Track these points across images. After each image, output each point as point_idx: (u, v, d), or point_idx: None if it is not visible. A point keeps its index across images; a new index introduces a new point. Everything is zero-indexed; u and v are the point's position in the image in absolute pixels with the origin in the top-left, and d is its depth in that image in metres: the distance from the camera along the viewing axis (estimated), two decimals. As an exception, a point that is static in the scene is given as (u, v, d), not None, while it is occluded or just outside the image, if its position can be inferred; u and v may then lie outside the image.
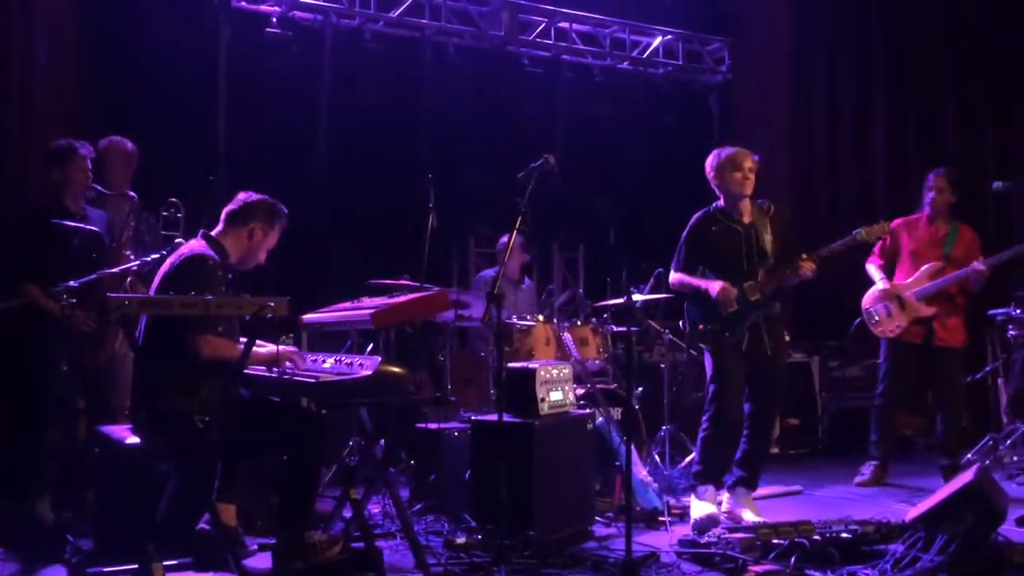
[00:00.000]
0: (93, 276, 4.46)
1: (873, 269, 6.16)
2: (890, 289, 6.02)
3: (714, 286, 4.90)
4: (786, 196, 8.50)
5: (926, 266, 5.99)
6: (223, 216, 4.14)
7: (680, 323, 5.22)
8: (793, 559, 3.99)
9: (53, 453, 4.71)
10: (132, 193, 5.08)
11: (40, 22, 6.06)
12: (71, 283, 4.38)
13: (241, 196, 4.17)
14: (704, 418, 5.01)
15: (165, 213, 5.19)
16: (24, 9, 6.00)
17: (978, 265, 5.82)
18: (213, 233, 4.10)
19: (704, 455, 5.01)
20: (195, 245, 4.00)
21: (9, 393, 4.94)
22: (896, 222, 6.03)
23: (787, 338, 5.24)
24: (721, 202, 5.08)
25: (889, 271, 6.17)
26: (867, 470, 6.07)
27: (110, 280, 4.54)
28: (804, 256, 4.92)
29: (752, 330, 4.92)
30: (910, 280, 6.02)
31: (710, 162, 5.06)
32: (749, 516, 4.84)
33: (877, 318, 6.07)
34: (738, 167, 4.96)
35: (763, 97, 8.83)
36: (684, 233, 5.14)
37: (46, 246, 4.75)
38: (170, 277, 3.89)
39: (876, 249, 6.09)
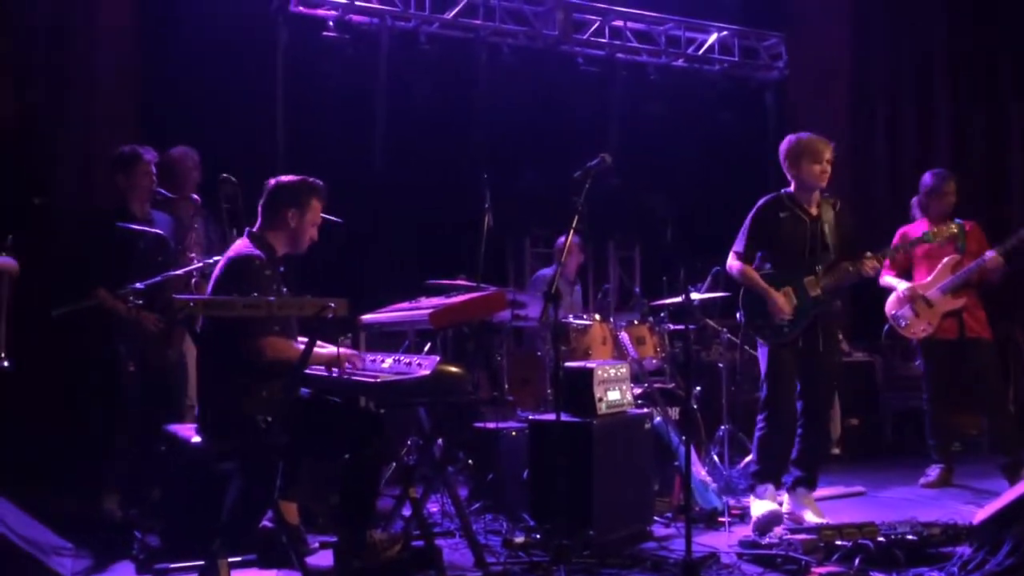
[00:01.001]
0: (159, 278, 4.57)
1: (888, 278, 6.07)
2: (912, 290, 5.96)
3: (774, 300, 4.82)
4: (844, 194, 8.37)
5: (945, 259, 5.93)
6: (259, 211, 4.11)
7: (737, 315, 5.13)
8: (857, 561, 3.93)
9: (120, 452, 4.81)
10: (195, 196, 5.17)
11: (103, 28, 6.21)
12: (137, 285, 4.50)
13: (269, 184, 4.11)
14: (759, 417, 4.96)
15: (227, 205, 5.26)
16: (88, 16, 6.14)
17: (990, 253, 5.78)
18: (256, 229, 4.09)
19: (761, 454, 4.96)
20: (240, 246, 4.01)
21: (77, 393, 5.07)
22: (900, 232, 6.04)
23: (841, 337, 5.14)
24: (791, 188, 5.00)
25: (903, 278, 6.09)
26: (933, 472, 5.96)
27: (175, 281, 4.63)
28: (868, 254, 4.84)
29: (808, 327, 4.85)
30: (930, 279, 5.96)
31: (785, 147, 4.96)
32: (811, 517, 4.77)
33: (905, 322, 6.00)
34: (817, 158, 4.86)
35: (821, 93, 8.69)
36: (749, 216, 5.03)
37: (112, 249, 4.85)
38: (220, 280, 3.93)
39: (886, 262, 5.90)
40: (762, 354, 4.97)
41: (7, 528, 3.49)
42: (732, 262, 5.05)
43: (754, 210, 5.03)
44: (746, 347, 5.88)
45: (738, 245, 5.04)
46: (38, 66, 5.97)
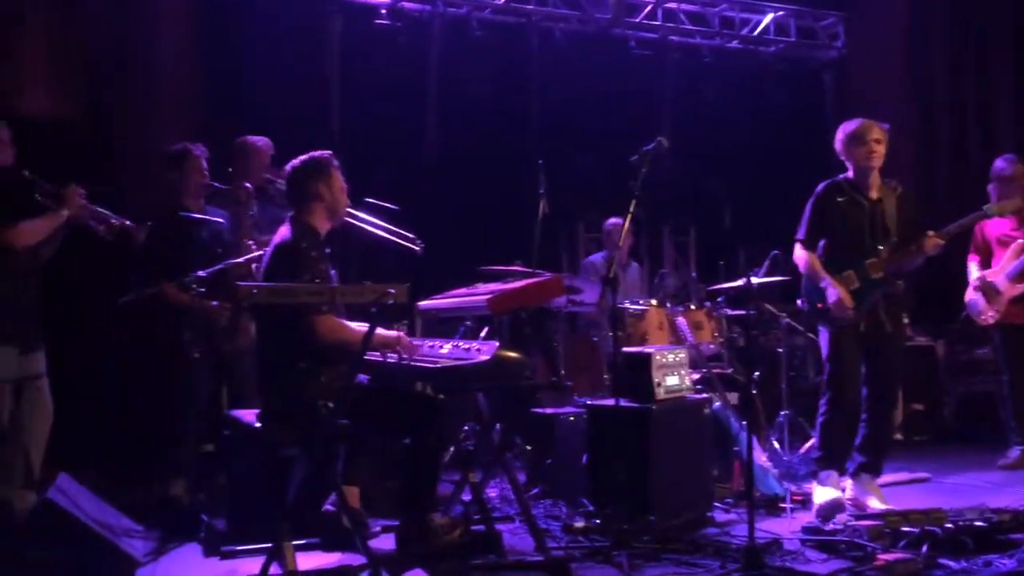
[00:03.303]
0: (220, 266, 4.63)
1: (971, 265, 6.12)
2: (981, 279, 5.97)
3: (832, 294, 4.75)
4: (905, 176, 8.21)
5: (1012, 246, 5.92)
6: (289, 199, 4.16)
7: (798, 301, 5.06)
8: (925, 547, 3.86)
9: (186, 438, 4.89)
10: (248, 184, 5.24)
11: (162, 21, 6.30)
12: (200, 273, 4.57)
13: (287, 170, 4.16)
14: (821, 402, 4.89)
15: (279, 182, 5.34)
16: (149, 11, 6.23)
17: None
18: (293, 215, 4.12)
19: (824, 440, 4.89)
20: (283, 231, 4.05)
21: (145, 381, 5.16)
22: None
23: (906, 319, 5.06)
24: (850, 173, 4.94)
25: (985, 265, 6.08)
26: (1014, 453, 5.92)
27: (236, 269, 4.69)
28: (931, 233, 4.76)
29: (871, 310, 4.78)
30: (999, 266, 5.96)
31: (838, 135, 4.94)
32: (875, 503, 4.70)
33: (976, 309, 6.03)
34: (862, 140, 4.82)
35: (880, 73, 8.53)
36: (809, 202, 4.98)
37: (175, 238, 4.93)
38: (269, 267, 3.97)
39: (971, 247, 6.09)
40: (824, 338, 4.91)
41: (82, 511, 3.57)
42: (797, 252, 4.99)
43: (813, 197, 4.98)
44: (809, 333, 5.81)
45: (800, 233, 4.99)
46: (103, 62, 6.07)
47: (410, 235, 4.79)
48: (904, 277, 4.92)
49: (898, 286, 4.84)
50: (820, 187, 4.98)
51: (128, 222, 4.70)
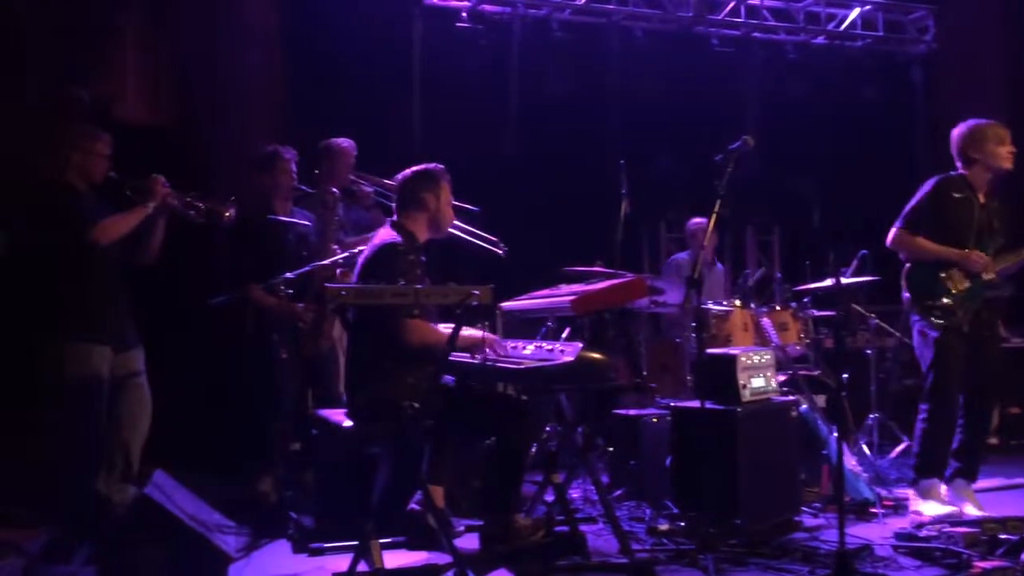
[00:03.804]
0: (307, 268, 4.72)
1: None
2: None
3: (967, 256, 4.65)
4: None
5: None
6: (396, 203, 4.24)
7: (903, 296, 4.91)
8: (1023, 556, 3.73)
9: (275, 436, 4.99)
10: (334, 189, 5.33)
11: (250, 31, 6.44)
12: (288, 275, 4.66)
13: (398, 177, 4.25)
14: (923, 407, 4.75)
15: (369, 189, 5.43)
16: (236, 18, 6.38)
17: None
18: (396, 218, 4.21)
19: (926, 447, 4.74)
20: (384, 234, 4.13)
21: (235, 380, 5.29)
22: None
23: (1000, 322, 4.92)
24: (964, 171, 4.84)
25: None
26: None
27: (322, 272, 4.77)
28: None
29: (976, 313, 4.66)
30: None
31: (965, 131, 4.83)
32: (970, 510, 4.57)
33: None
34: (1002, 141, 4.77)
35: (972, 67, 8.26)
36: (924, 192, 4.85)
37: (263, 241, 5.04)
38: (366, 268, 4.04)
39: None
40: (926, 341, 4.77)
41: (177, 507, 3.67)
42: (902, 236, 4.85)
43: (930, 187, 4.85)
44: (904, 338, 5.62)
45: (905, 219, 4.87)
46: (193, 69, 6.23)
47: (494, 238, 4.83)
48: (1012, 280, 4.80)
49: (1007, 288, 4.73)
50: (936, 180, 4.86)
51: (212, 204, 4.78)
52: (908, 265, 4.87)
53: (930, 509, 4.58)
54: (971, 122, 4.85)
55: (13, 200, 4.94)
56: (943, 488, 4.72)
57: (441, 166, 4.26)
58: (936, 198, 4.81)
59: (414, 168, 4.24)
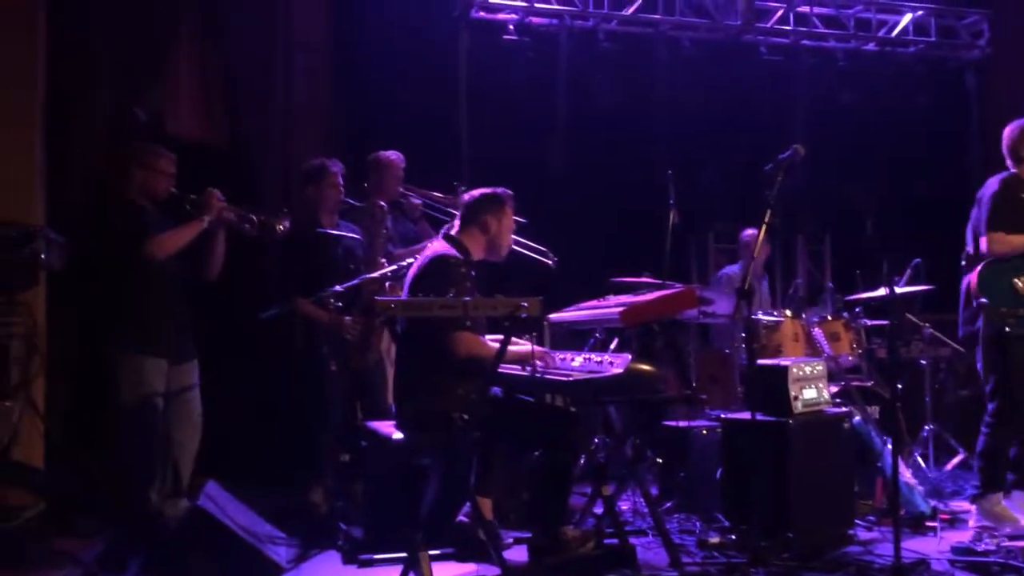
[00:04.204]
0: (356, 281, 4.76)
1: None
2: None
3: None
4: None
5: None
6: (458, 218, 4.30)
7: (974, 302, 4.76)
8: (1086, 572, 3.65)
9: (324, 448, 5.03)
10: (382, 203, 5.37)
11: (299, 47, 6.53)
12: (337, 288, 4.70)
13: (465, 197, 4.33)
14: (988, 419, 4.64)
15: (417, 201, 5.47)
16: (285, 34, 6.48)
17: None
18: (454, 233, 4.25)
19: (990, 459, 4.64)
20: (438, 247, 4.17)
21: (285, 392, 5.34)
22: None
23: None
24: (1014, 171, 4.74)
25: None
26: None
27: (370, 284, 4.81)
28: None
29: None
30: None
31: (1013, 130, 4.74)
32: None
33: None
34: None
35: (1028, 72, 8.11)
36: (991, 193, 4.72)
37: (312, 255, 5.09)
38: (418, 278, 4.08)
39: None
40: (993, 350, 4.65)
41: (229, 518, 3.72)
42: (999, 238, 4.66)
43: (997, 188, 4.72)
44: (960, 348, 5.48)
45: (987, 226, 4.69)
46: (244, 85, 6.34)
47: (544, 249, 4.82)
48: None
49: None
50: (998, 180, 4.74)
51: (266, 216, 4.84)
52: (981, 267, 4.70)
53: (1004, 520, 4.46)
54: (1021, 120, 4.75)
55: (78, 217, 5.09)
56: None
57: (509, 192, 4.30)
58: (1008, 196, 4.67)
59: (483, 189, 4.30)
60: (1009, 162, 4.78)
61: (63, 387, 5.33)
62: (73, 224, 5.06)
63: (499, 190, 4.29)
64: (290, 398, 5.27)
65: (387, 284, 4.91)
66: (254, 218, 4.80)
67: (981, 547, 4.08)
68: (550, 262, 4.72)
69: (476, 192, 4.30)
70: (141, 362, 4.55)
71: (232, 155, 6.17)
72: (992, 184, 4.75)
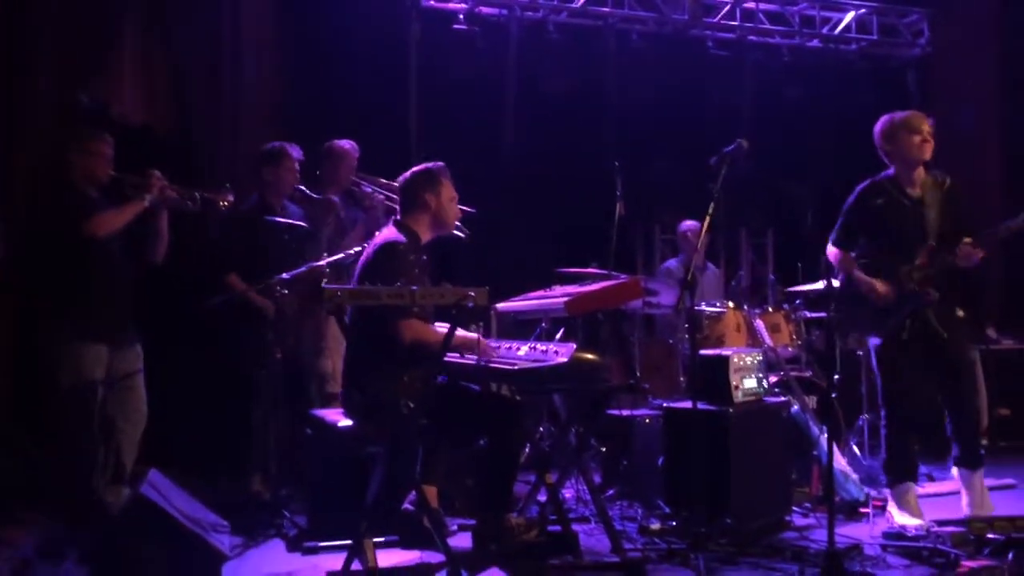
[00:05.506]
0: (303, 268, 4.76)
1: None
2: None
3: (872, 287, 4.63)
4: (994, 177, 7.99)
5: None
6: (399, 204, 4.29)
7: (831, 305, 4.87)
8: (1011, 555, 3.78)
9: (269, 436, 5.01)
10: (334, 197, 5.36)
11: (247, 30, 6.47)
12: (284, 276, 4.69)
13: (399, 180, 4.30)
14: (883, 414, 4.77)
15: (368, 190, 5.47)
16: (233, 18, 6.41)
17: None
18: (399, 218, 4.25)
19: (891, 452, 4.75)
20: (387, 233, 4.18)
21: (228, 379, 5.31)
22: None
23: (961, 313, 4.71)
24: (891, 171, 4.78)
25: None
26: None
27: (317, 272, 4.80)
28: (968, 240, 4.48)
29: (913, 317, 4.59)
30: None
31: (879, 128, 4.77)
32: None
33: None
34: (915, 130, 4.64)
35: (967, 71, 8.28)
36: (847, 203, 4.83)
37: (258, 242, 5.07)
38: (367, 266, 4.09)
39: None
40: (872, 349, 4.78)
41: (172, 506, 3.70)
42: (830, 250, 4.86)
43: (852, 197, 4.82)
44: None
45: (833, 235, 4.86)
46: (192, 70, 6.26)
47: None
48: (939, 284, 4.60)
49: (932, 296, 4.56)
50: (859, 188, 4.82)
51: (209, 192, 4.81)
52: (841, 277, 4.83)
53: (902, 519, 4.53)
54: (888, 116, 4.78)
55: (20, 204, 5.00)
56: (919, 487, 4.73)
57: (441, 164, 4.29)
58: (853, 210, 4.78)
59: (414, 168, 4.28)
60: (886, 161, 4.82)
61: (3, 375, 5.25)
62: (15, 211, 4.97)
63: (430, 164, 4.26)
64: (234, 386, 5.24)
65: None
66: (197, 195, 4.76)
67: (911, 532, 4.21)
68: (462, 235, 4.69)
69: (407, 173, 4.27)
70: (79, 348, 4.50)
71: (181, 142, 6.10)
72: (856, 188, 4.82)
